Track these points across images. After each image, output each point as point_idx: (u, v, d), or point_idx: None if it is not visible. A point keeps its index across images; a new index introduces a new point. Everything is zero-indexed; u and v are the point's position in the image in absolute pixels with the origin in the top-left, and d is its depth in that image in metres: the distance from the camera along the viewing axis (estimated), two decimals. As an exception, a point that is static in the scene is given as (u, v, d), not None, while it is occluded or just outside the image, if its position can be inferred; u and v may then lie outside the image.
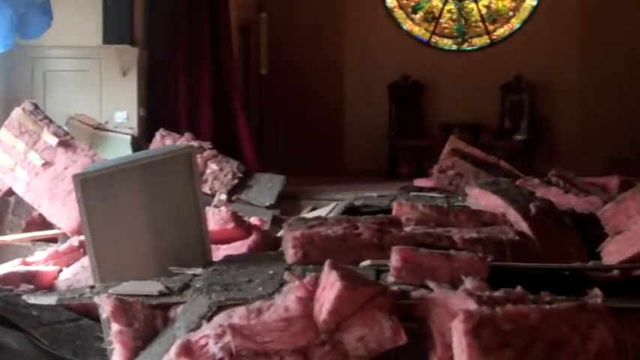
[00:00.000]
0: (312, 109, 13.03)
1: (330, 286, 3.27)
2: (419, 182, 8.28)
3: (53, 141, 6.94)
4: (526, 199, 5.73)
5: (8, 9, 7.35)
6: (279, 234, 5.87)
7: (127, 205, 4.61)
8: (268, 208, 8.16)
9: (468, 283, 3.43)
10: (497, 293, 3.26)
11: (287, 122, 12.80)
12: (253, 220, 6.87)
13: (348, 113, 13.54)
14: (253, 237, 5.90)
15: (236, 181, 8.49)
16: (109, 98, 9.21)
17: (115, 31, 9.12)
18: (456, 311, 3.07)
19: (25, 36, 7.95)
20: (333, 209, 7.36)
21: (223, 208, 6.53)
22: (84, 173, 4.64)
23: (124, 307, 3.75)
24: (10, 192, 7.01)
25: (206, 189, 8.00)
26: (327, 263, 3.41)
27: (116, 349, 3.73)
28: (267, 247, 5.81)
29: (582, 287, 3.49)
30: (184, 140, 8.46)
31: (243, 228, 6.13)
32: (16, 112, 7.09)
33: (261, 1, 12.89)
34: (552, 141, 13.03)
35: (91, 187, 4.48)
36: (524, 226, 5.27)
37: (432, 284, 3.45)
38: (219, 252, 5.45)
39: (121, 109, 9.27)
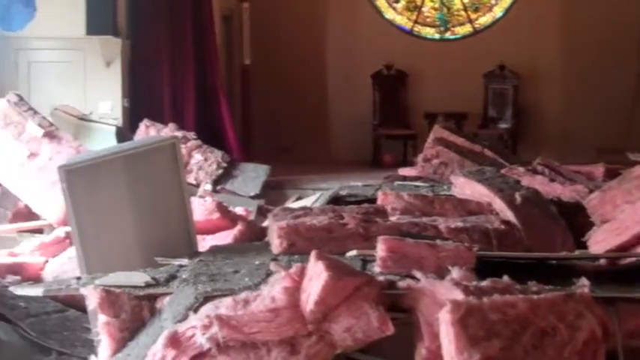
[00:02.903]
0: (296, 99, 13.03)
1: (316, 277, 3.27)
2: (403, 171, 8.28)
3: (38, 132, 6.92)
4: (511, 187, 5.75)
5: (-10, 1, 7.34)
6: (265, 224, 5.87)
7: (112, 195, 4.61)
8: (253, 198, 8.17)
9: (455, 273, 3.44)
10: (484, 283, 3.27)
11: (271, 112, 12.80)
12: (238, 210, 6.88)
13: (331, 102, 13.54)
14: (239, 227, 5.89)
15: (221, 171, 8.49)
16: (93, 89, 9.18)
17: (98, 22, 9.08)
18: (443, 301, 3.08)
19: (8, 28, 7.96)
20: (318, 199, 7.37)
21: (208, 199, 6.53)
22: (69, 164, 4.62)
23: (110, 299, 3.75)
24: (-5, 183, 7.00)
25: (191, 179, 7.99)
26: (313, 253, 3.41)
27: (103, 340, 3.72)
28: (253, 237, 5.80)
29: (569, 277, 3.51)
30: (168, 130, 8.44)
31: (229, 218, 6.13)
32: (1, 104, 7.07)
33: (243, -10, 12.88)
34: (537, 129, 13.06)
35: (76, 178, 4.47)
36: (509, 215, 5.29)
37: (418, 274, 3.46)
38: (205, 242, 5.45)
39: (105, 100, 9.25)
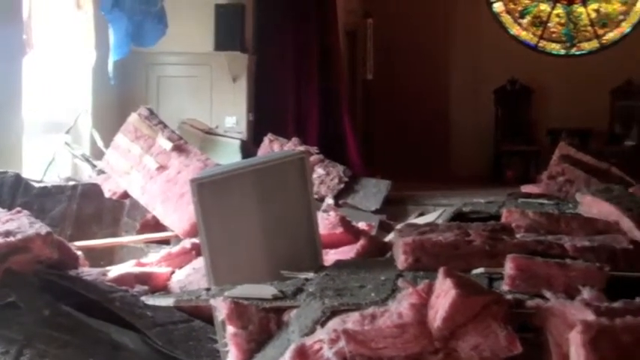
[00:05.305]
0: (418, 114, 13.04)
1: (444, 294, 3.26)
2: (526, 188, 8.16)
3: (167, 145, 7.09)
4: (640, 207, 5.62)
5: (124, 18, 7.57)
6: (387, 239, 5.88)
7: (241, 209, 4.67)
8: (374, 212, 8.19)
9: (586, 293, 3.38)
10: (615, 304, 3.21)
11: (392, 127, 12.83)
12: (361, 224, 6.90)
13: (453, 118, 13.52)
14: (361, 242, 5.91)
15: (342, 185, 8.54)
16: (219, 103, 9.40)
17: (226, 38, 9.31)
18: (573, 322, 3.03)
19: (141, 44, 8.17)
20: (441, 215, 7.33)
21: (332, 213, 6.57)
22: (200, 178, 4.71)
23: (239, 310, 3.80)
24: (125, 195, 7.18)
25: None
26: (441, 270, 3.40)
27: (231, 350, 3.78)
28: (375, 252, 5.81)
29: (702, 299, 3.41)
30: (291, 145, 8.55)
31: (352, 232, 6.16)
32: (132, 117, 7.27)
33: (367, 6, 12.94)
34: (664, 147, 12.75)
35: (207, 191, 4.56)
36: (638, 234, 5.17)
37: (547, 294, 3.42)
38: (328, 256, 5.48)
39: (230, 114, 9.45)
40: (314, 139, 9.91)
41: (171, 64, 9.44)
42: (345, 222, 6.17)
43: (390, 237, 5.73)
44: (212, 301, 4.00)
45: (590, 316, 3.03)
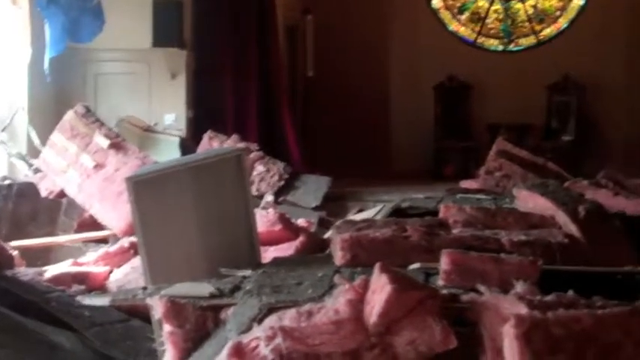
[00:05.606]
0: (358, 111, 13.07)
1: (380, 289, 3.28)
2: (465, 184, 8.24)
3: (105, 143, 7.03)
4: (575, 201, 5.68)
5: (60, 14, 7.47)
6: (327, 236, 5.89)
7: (178, 207, 4.65)
8: (314, 209, 8.20)
9: (519, 286, 3.42)
10: (548, 298, 3.25)
11: (333, 123, 12.84)
12: (300, 221, 6.90)
13: (393, 114, 13.56)
14: (300, 239, 5.92)
15: (282, 182, 8.54)
16: (158, 100, 9.33)
17: (164, 35, 9.24)
18: (507, 315, 3.06)
19: (77, 40, 8.08)
20: (380, 211, 7.37)
21: (271, 210, 6.57)
22: (136, 176, 4.68)
23: (175, 309, 3.78)
24: (62, 193, 7.12)
25: (253, 190, 8.04)
26: (377, 266, 3.42)
27: (167, 349, 3.76)
28: (314, 248, 5.82)
29: (634, 291, 3.47)
30: (232, 142, 8.52)
31: (291, 230, 6.16)
32: (69, 115, 7.20)
33: (306, 3, 12.93)
34: (600, 141, 12.93)
35: (143, 189, 4.53)
36: (573, 228, 5.23)
37: (482, 288, 3.45)
38: (267, 254, 5.48)
39: (169, 111, 9.38)
40: (254, 136, 9.89)
41: (108, 60, 9.33)
42: (284, 219, 6.17)
43: (329, 234, 5.74)
44: (148, 300, 3.98)
45: (523, 310, 3.06)
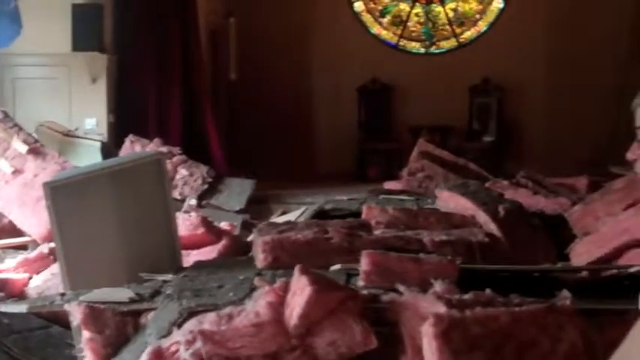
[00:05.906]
0: (282, 113, 13.05)
1: (300, 291, 3.28)
2: (388, 185, 8.30)
3: (23, 149, 6.92)
4: (495, 200, 5.77)
5: (-25, 19, 7.33)
6: (250, 239, 5.88)
7: (97, 212, 4.61)
8: (238, 212, 8.16)
9: (438, 286, 3.45)
10: (466, 296, 3.28)
11: (256, 126, 12.80)
12: (223, 224, 6.88)
13: (317, 117, 13.58)
14: (223, 242, 5.91)
15: (206, 186, 8.48)
16: (78, 105, 9.19)
17: (84, 39, 9.11)
18: (425, 315, 3.09)
19: (-6, 44, 7.94)
20: (303, 213, 7.38)
21: (193, 214, 6.54)
22: (54, 181, 4.63)
23: (94, 315, 3.75)
24: (-21, 200, 6.98)
25: (176, 194, 7.99)
26: (297, 268, 3.43)
27: (87, 356, 3.72)
28: (238, 251, 5.82)
29: (551, 289, 3.52)
30: (154, 146, 8.44)
31: (213, 233, 6.14)
32: (-15, 120, 7.07)
33: (229, 6, 12.89)
34: (520, 142, 13.14)
35: (61, 194, 4.48)
36: (493, 227, 5.31)
37: (401, 288, 3.47)
38: (190, 257, 5.45)
39: (90, 116, 9.25)
40: (177, 140, 9.80)
41: (27, 65, 9.16)
42: (206, 222, 6.15)
43: (251, 236, 5.73)
44: (66, 306, 3.94)
45: (441, 309, 3.09)
